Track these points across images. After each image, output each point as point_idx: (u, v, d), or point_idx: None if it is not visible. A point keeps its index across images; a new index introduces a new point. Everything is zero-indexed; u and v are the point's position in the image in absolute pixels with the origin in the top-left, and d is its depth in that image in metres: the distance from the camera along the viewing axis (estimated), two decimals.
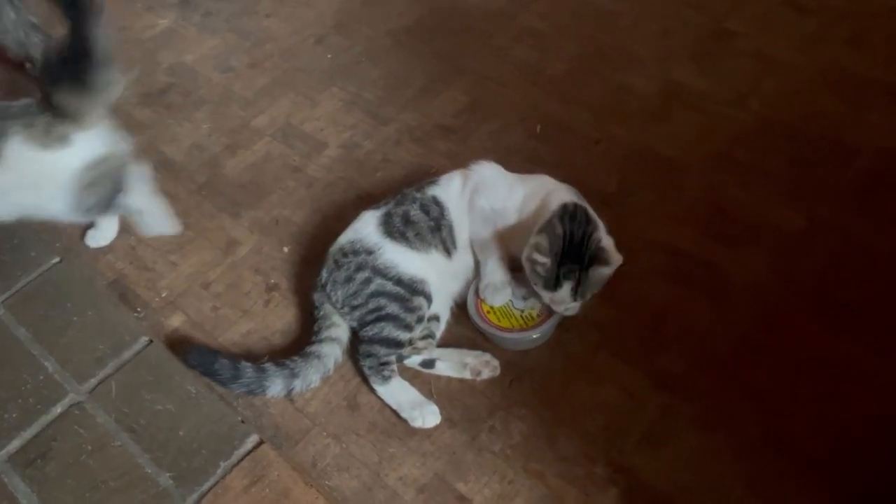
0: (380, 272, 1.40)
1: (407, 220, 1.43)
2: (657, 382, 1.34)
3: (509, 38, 2.06)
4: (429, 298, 1.40)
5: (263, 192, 1.79)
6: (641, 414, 1.31)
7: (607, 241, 1.34)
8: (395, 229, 1.43)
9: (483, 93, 1.93)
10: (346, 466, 1.32)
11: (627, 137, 1.75)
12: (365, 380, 1.39)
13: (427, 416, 1.33)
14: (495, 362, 1.39)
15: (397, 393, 1.36)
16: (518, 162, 1.70)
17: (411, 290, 1.38)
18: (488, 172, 1.47)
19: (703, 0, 2.03)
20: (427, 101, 1.94)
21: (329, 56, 2.12)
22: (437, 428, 1.34)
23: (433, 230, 1.43)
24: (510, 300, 1.43)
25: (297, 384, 1.38)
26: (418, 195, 1.47)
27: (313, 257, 1.57)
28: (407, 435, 1.34)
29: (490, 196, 1.43)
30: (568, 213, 1.31)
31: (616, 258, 1.32)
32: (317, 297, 1.46)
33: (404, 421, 1.35)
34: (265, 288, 1.59)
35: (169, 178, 1.85)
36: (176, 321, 1.55)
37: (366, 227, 1.45)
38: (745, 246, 1.51)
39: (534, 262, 1.30)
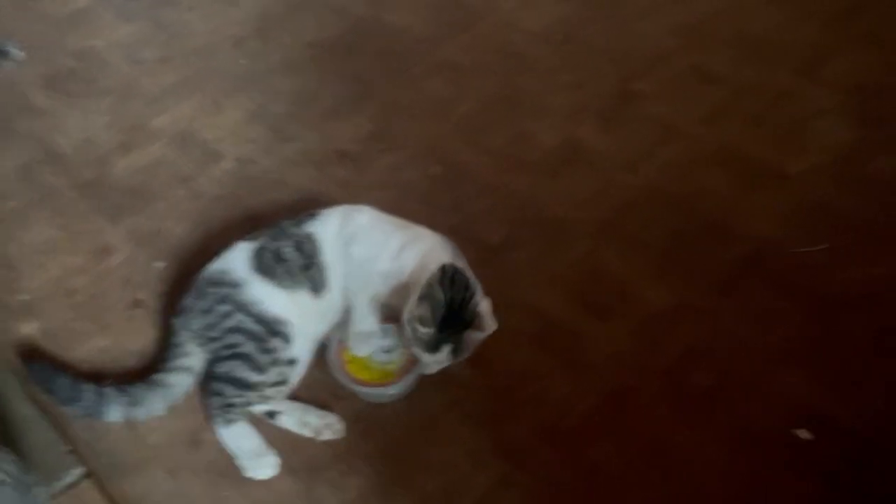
0: (242, 308, 1.37)
1: (278, 258, 1.40)
2: (500, 449, 1.34)
3: (428, 67, 2.03)
4: (287, 340, 1.38)
5: (149, 199, 1.74)
6: (477, 480, 1.31)
7: (484, 306, 1.32)
8: (265, 265, 1.40)
9: (390, 122, 1.90)
10: None
11: (522, 189, 1.74)
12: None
13: (262, 467, 1.32)
14: (338, 426, 1.37)
15: (239, 438, 1.34)
16: (411, 203, 1.68)
17: (270, 330, 1.36)
18: (364, 220, 1.44)
19: (622, 57, 2.03)
20: (332, 122, 1.91)
21: (243, 61, 2.07)
22: (276, 475, 1.32)
23: (303, 268, 1.41)
24: (371, 353, 1.42)
25: (138, 412, 1.35)
26: (295, 231, 1.44)
27: (186, 277, 1.53)
28: (244, 480, 1.31)
29: (365, 245, 1.40)
30: (448, 277, 1.29)
31: (490, 325, 1.30)
32: (176, 322, 1.42)
33: None
34: (130, 303, 1.55)
35: (53, 171, 1.79)
36: (28, 329, 1.50)
37: (236, 259, 1.42)
38: (612, 318, 1.51)
39: (416, 331, 1.28)
